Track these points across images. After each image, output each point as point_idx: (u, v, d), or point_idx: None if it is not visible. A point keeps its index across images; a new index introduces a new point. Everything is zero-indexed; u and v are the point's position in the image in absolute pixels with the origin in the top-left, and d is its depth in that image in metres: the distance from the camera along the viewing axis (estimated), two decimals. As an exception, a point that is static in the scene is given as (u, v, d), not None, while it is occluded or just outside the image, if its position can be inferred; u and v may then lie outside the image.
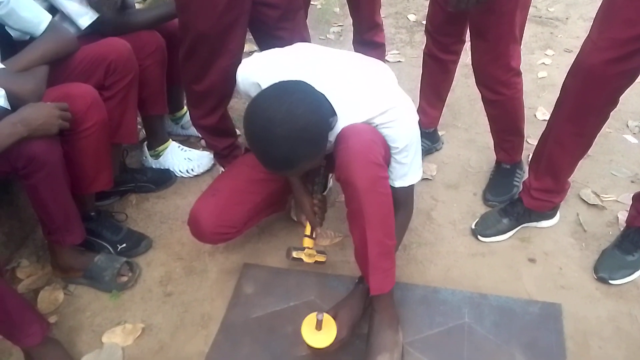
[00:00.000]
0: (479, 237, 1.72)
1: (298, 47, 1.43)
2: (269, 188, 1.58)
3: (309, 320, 1.32)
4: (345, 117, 1.31)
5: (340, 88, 1.31)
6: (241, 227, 1.58)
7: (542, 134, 1.61)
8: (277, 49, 1.44)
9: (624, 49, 1.27)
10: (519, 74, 1.68)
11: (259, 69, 1.39)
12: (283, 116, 1.16)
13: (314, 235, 1.55)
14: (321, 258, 1.57)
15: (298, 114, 1.17)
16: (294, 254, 1.51)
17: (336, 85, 1.31)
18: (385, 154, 1.32)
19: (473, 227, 1.75)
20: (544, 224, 1.75)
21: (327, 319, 1.32)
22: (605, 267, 1.57)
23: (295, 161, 1.22)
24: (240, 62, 1.49)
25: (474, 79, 2.23)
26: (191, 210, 1.54)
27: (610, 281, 1.55)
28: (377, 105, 1.31)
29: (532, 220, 1.73)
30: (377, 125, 1.33)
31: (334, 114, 1.29)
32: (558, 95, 1.48)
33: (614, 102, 1.42)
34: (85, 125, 1.48)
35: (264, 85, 1.35)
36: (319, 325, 1.30)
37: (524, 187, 1.71)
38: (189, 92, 1.73)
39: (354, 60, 1.41)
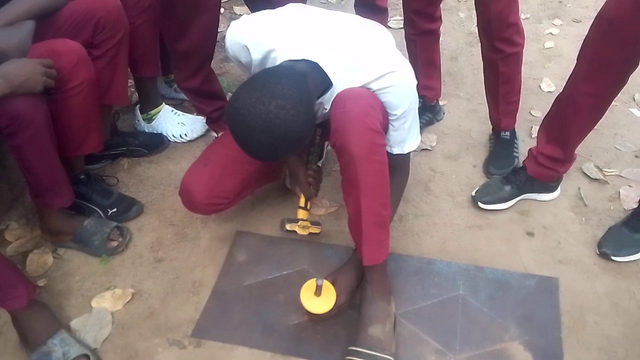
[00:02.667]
0: (478, 203, 1.68)
1: (290, 8, 1.35)
2: None
3: (308, 286, 1.30)
4: (341, 82, 1.25)
5: (335, 51, 1.25)
6: (234, 198, 1.53)
7: (558, 95, 1.55)
8: (268, 10, 1.36)
9: None
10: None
11: (247, 32, 1.32)
12: (261, 126, 1.09)
13: (308, 207, 1.51)
14: (315, 230, 1.54)
15: (277, 124, 1.09)
16: (288, 226, 1.48)
17: (331, 48, 1.25)
18: (383, 120, 1.27)
19: (473, 194, 1.71)
20: (545, 196, 1.71)
21: (326, 285, 1.30)
22: (610, 243, 1.54)
23: (278, 158, 1.21)
24: (218, 21, 1.48)
25: (478, 48, 2.15)
26: (182, 181, 1.49)
27: (613, 257, 1.52)
28: (375, 69, 1.26)
29: (534, 190, 1.68)
30: (374, 91, 1.27)
31: (327, 85, 1.24)
32: (565, 65, 1.42)
33: (633, 61, 1.35)
34: (72, 84, 1.43)
35: (252, 50, 1.29)
36: (318, 291, 1.28)
37: (530, 155, 1.66)
38: (171, 51, 1.70)
39: (350, 22, 1.34)
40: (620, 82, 1.40)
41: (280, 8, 1.36)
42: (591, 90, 1.42)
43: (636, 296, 1.45)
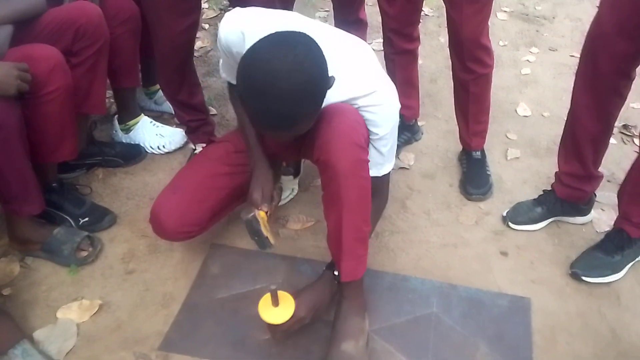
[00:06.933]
0: (509, 224, 1.69)
1: (284, 12, 1.35)
2: (234, 182, 1.49)
3: (266, 297, 1.27)
4: (328, 94, 1.22)
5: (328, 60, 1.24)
6: (205, 225, 1.50)
7: (567, 114, 1.59)
8: (262, 8, 1.33)
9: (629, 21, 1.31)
10: None
11: (246, 19, 1.28)
12: (289, 68, 1.04)
13: (268, 214, 1.41)
14: (272, 238, 1.40)
15: (306, 66, 1.06)
16: (257, 213, 1.34)
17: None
18: (366, 137, 1.28)
19: (504, 214, 1.72)
20: (578, 219, 1.71)
21: (285, 296, 1.27)
22: (582, 264, 1.56)
23: (298, 118, 1.11)
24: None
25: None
26: (152, 209, 1.46)
27: (584, 278, 1.54)
28: (363, 85, 1.26)
29: (565, 213, 1.69)
30: (359, 107, 1.27)
31: None
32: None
33: (623, 74, 1.40)
34: (48, 89, 1.41)
35: (248, 36, 1.23)
36: (274, 300, 1.24)
37: (556, 177, 1.68)
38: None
39: (340, 36, 1.34)
40: (615, 93, 1.45)
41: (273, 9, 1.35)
42: (589, 101, 1.48)
43: (607, 317, 1.46)
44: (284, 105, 1.07)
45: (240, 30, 1.27)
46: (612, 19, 1.34)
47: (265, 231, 1.38)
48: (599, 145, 1.58)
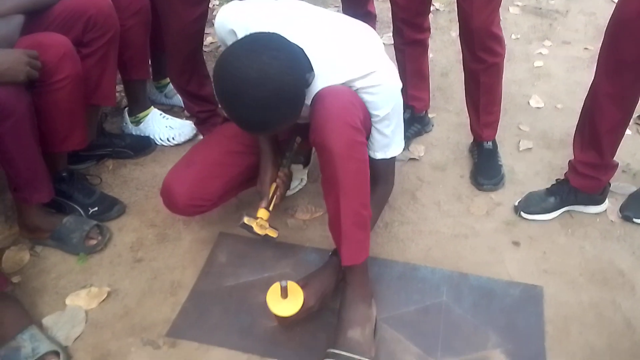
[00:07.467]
0: (521, 213, 1.66)
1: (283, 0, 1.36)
2: (247, 161, 1.50)
3: (274, 289, 1.26)
4: (324, 77, 1.24)
5: (321, 45, 1.24)
6: (216, 200, 1.50)
7: (584, 101, 1.57)
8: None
9: None
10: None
11: (236, 16, 1.32)
12: (256, 76, 1.07)
13: (270, 208, 1.45)
14: (272, 233, 1.46)
15: (272, 74, 1.08)
16: (245, 220, 1.41)
17: (317, 41, 1.24)
18: (364, 119, 1.26)
19: (516, 204, 1.69)
20: (592, 209, 1.68)
21: (293, 287, 1.26)
22: (631, 207, 1.64)
23: (271, 124, 1.16)
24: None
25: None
26: (164, 181, 1.46)
27: (635, 220, 1.63)
28: (359, 67, 1.25)
29: (578, 202, 1.67)
30: (357, 89, 1.26)
31: (311, 69, 1.22)
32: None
33: None
34: (57, 77, 1.42)
35: (240, 34, 1.28)
36: (284, 293, 1.24)
37: (570, 166, 1.66)
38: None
39: (340, 21, 1.34)
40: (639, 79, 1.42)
41: None
42: (611, 90, 1.45)
43: (621, 308, 1.43)
44: (252, 113, 1.11)
45: (231, 28, 1.32)
46: (638, 1, 1.30)
47: (260, 230, 1.42)
48: (618, 134, 1.56)
